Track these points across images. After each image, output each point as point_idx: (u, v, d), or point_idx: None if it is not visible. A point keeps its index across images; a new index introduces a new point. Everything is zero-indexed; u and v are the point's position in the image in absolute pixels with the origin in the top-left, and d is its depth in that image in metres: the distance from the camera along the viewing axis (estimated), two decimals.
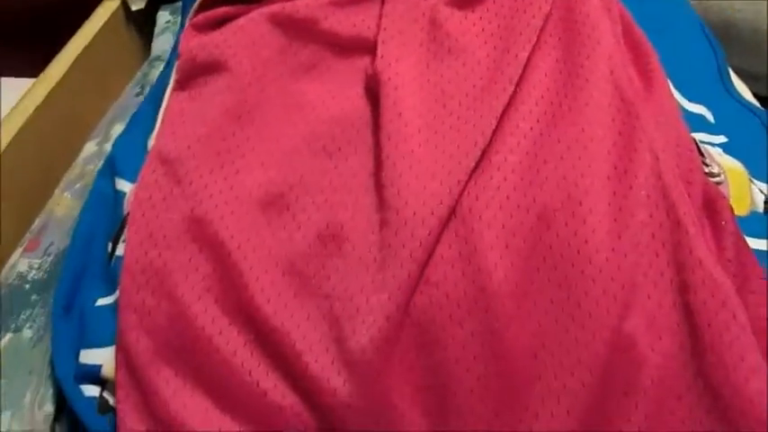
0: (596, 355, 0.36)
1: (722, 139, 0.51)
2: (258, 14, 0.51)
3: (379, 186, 0.42)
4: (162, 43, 0.74)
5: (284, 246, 0.42)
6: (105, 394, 0.42)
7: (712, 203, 0.43)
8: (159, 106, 0.51)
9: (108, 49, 0.84)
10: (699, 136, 0.49)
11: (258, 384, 0.38)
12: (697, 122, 0.51)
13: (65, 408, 0.44)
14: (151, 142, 0.49)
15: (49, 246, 0.56)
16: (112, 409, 0.41)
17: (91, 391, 0.43)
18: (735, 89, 0.58)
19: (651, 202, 0.39)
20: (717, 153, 0.49)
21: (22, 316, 0.50)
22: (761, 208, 0.47)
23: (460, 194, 0.40)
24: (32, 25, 0.84)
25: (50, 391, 0.45)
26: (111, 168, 0.52)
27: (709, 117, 0.53)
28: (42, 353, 0.47)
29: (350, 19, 0.49)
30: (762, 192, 0.48)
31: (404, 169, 0.41)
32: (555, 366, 0.37)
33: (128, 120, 0.59)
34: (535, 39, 0.45)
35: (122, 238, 0.45)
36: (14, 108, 0.63)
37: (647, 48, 0.48)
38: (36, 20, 0.85)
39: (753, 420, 0.35)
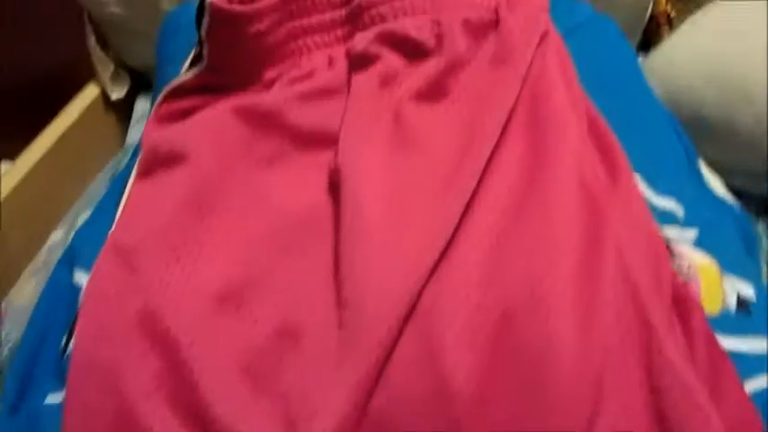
0: None
1: (693, 233, 0.51)
2: (222, 106, 0.51)
3: (338, 283, 0.41)
4: (137, 132, 0.75)
5: (240, 342, 0.41)
6: None
7: (682, 302, 0.42)
8: (122, 196, 0.50)
9: (85, 136, 0.85)
10: (669, 231, 0.49)
11: None
12: (667, 217, 0.50)
13: None
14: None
15: (8, 334, 0.56)
16: None
17: None
18: (705, 182, 0.58)
19: (618, 301, 0.39)
20: (687, 249, 0.48)
21: None
22: (733, 306, 0.46)
23: (421, 291, 0.39)
24: (11, 109, 0.84)
25: None
26: (71, 259, 0.51)
27: (680, 211, 0.52)
28: None
29: (314, 112, 0.49)
30: (734, 288, 0.47)
31: (363, 266, 0.40)
32: None
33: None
34: (499, 133, 0.45)
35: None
36: None
37: (613, 143, 0.48)
38: (15, 103, 0.85)
39: None
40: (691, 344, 0.41)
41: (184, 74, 0.54)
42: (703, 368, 0.40)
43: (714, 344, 0.41)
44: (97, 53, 0.90)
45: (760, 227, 0.73)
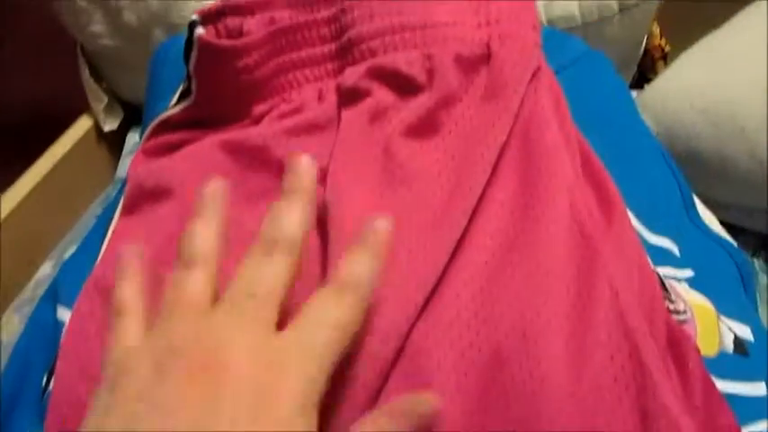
0: None
1: (689, 273, 0.50)
2: (209, 141, 0.50)
3: None
4: (128, 165, 0.74)
5: None
6: None
7: (678, 344, 0.41)
8: (107, 231, 0.49)
9: (78, 167, 0.84)
10: (664, 270, 0.48)
11: None
12: (661, 256, 0.49)
13: None
14: None
15: None
16: None
17: None
18: (701, 220, 0.57)
19: (612, 343, 0.37)
20: (683, 289, 0.47)
21: None
22: (730, 348, 0.45)
23: (410, 332, 0.38)
24: (3, 140, 0.84)
25: None
26: (54, 294, 0.50)
27: (675, 250, 0.51)
28: None
29: (302, 148, 0.48)
30: (731, 330, 0.46)
31: None
32: None
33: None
34: (490, 170, 0.44)
35: None
36: None
37: (606, 180, 0.47)
38: (7, 135, 0.85)
39: None
40: (687, 387, 0.39)
41: (172, 108, 0.53)
42: (700, 414, 0.39)
43: (711, 387, 0.40)
44: (90, 85, 0.90)
45: (757, 263, 0.72)
